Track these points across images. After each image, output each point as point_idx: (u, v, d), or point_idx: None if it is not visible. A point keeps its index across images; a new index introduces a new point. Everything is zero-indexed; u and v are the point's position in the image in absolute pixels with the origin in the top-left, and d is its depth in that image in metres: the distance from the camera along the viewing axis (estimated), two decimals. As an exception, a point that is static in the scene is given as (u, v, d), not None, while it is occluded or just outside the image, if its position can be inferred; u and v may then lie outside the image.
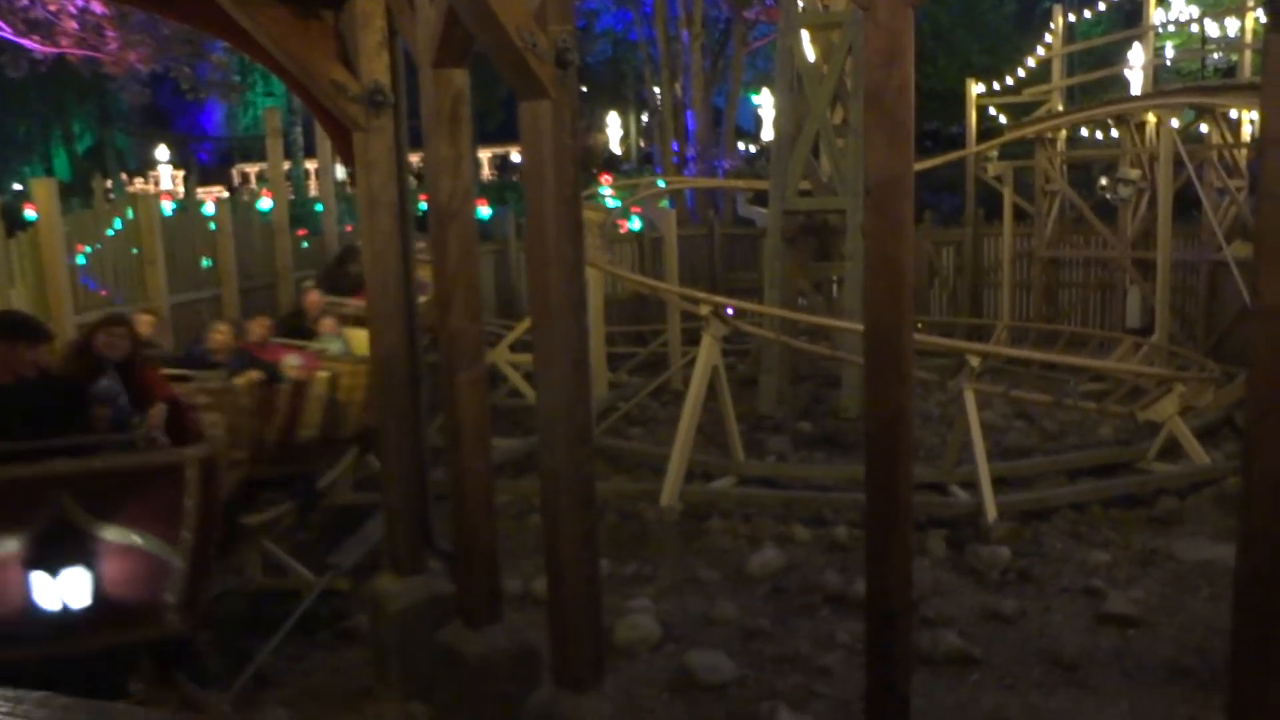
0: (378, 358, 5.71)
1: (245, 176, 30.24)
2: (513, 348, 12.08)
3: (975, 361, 8.87)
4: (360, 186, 5.55)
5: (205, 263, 10.82)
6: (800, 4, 12.57)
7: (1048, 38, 18.90)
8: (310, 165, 22.51)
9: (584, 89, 32.30)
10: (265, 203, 12.92)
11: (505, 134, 28.92)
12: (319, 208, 14.75)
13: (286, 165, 18.37)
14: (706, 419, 9.89)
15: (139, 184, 25.58)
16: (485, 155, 32.80)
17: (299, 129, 24.46)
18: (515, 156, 28.51)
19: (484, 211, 19.22)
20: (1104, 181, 16.13)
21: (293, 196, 16.75)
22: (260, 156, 25.79)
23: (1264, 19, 3.81)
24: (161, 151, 26.25)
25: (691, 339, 11.85)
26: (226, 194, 23.37)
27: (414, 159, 7.42)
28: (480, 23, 4.04)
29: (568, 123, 4.26)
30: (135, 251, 9.55)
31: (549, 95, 4.16)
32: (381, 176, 5.47)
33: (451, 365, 5.00)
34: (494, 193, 23.51)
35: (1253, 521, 3.68)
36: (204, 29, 7.11)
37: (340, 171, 17.40)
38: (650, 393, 12.28)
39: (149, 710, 2.17)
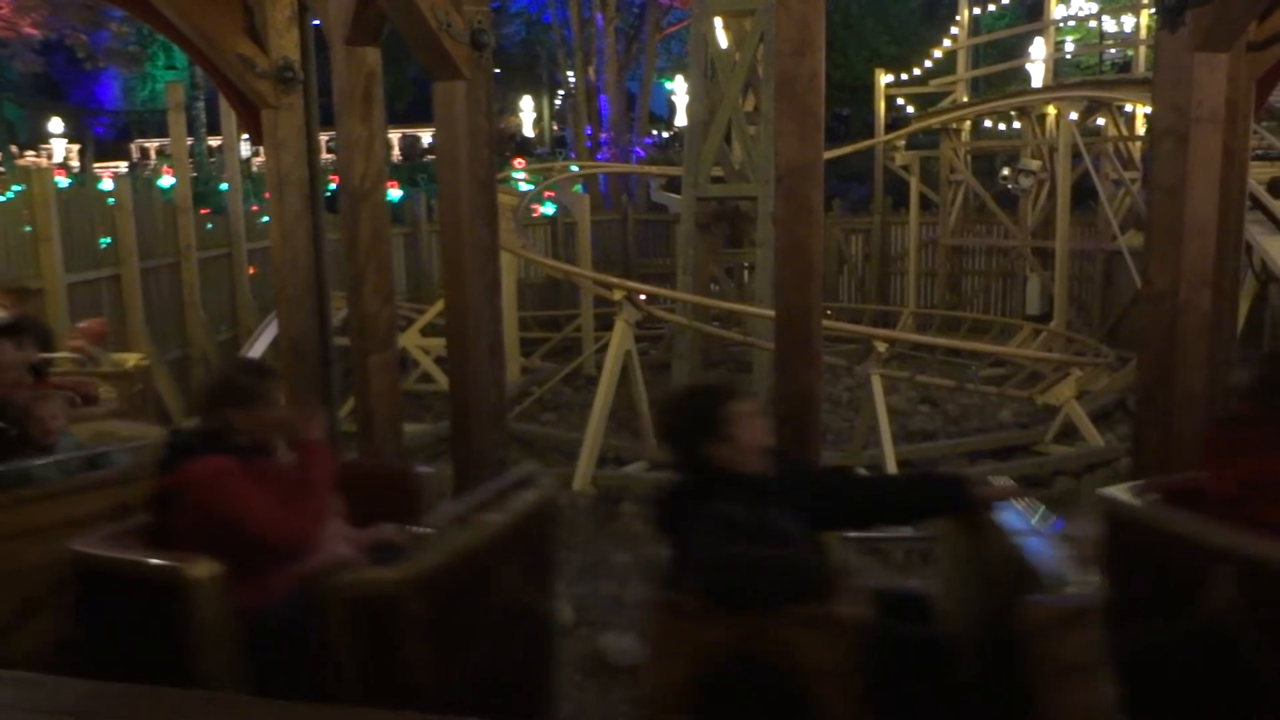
0: (288, 339, 5.62)
1: (145, 152, 29.27)
2: (424, 332, 11.95)
3: (882, 347, 9.06)
4: (269, 165, 5.44)
5: (103, 241, 10.48)
6: (714, -9, 12.62)
7: (954, 30, 19.32)
8: (215, 142, 21.91)
9: (498, 71, 31.97)
10: (167, 180, 12.55)
11: (417, 115, 28.49)
12: (224, 186, 14.40)
13: (189, 141, 17.86)
14: (619, 404, 9.91)
15: (30, 157, 24.58)
16: (396, 136, 32.30)
17: (202, 104, 23.76)
18: (427, 138, 28.13)
19: (395, 194, 18.98)
20: (1006, 172, 16.56)
21: (196, 174, 16.30)
22: (161, 132, 25.02)
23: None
24: (55, 124, 25.25)
25: (604, 324, 11.87)
26: (125, 169, 22.63)
27: (324, 138, 7.29)
28: (395, 1, 4.00)
29: (482, 104, 4.24)
30: (28, 230, 9.20)
31: (463, 76, 4.14)
32: (291, 155, 5.37)
33: (363, 349, 4.94)
34: (405, 174, 23.19)
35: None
36: (103, -1, 6.88)
37: (246, 149, 16.99)
38: (563, 378, 12.28)
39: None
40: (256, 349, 10.53)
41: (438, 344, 11.23)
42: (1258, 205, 8.85)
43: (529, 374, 12.99)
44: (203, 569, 2.87)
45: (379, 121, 4.87)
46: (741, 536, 2.70)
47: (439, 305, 10.01)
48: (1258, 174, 9.26)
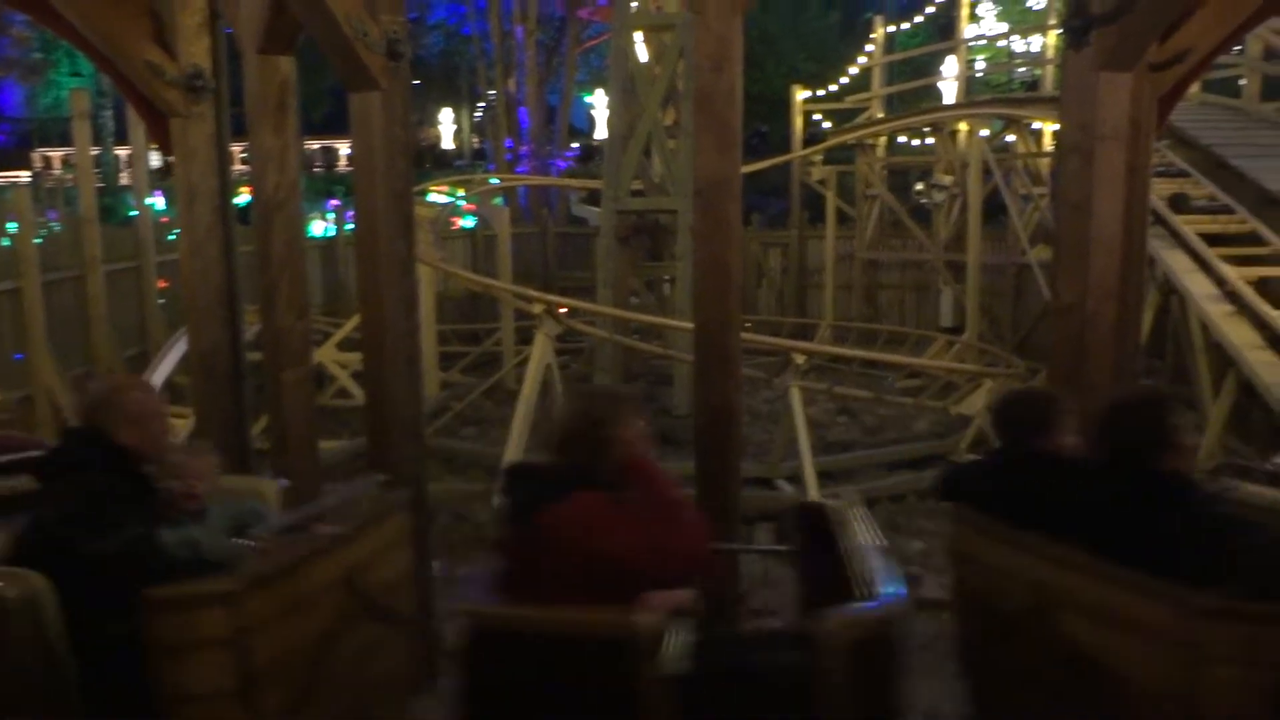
0: (198, 354, 5.47)
1: (48, 162, 28.39)
2: (341, 346, 11.75)
3: (800, 359, 9.15)
4: (179, 176, 5.30)
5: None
6: (633, 5, 12.68)
7: (869, 47, 19.68)
8: (122, 152, 21.34)
9: (416, 82, 31.71)
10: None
11: (333, 125, 28.12)
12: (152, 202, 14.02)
13: (95, 151, 17.36)
14: (540, 418, 9.86)
15: (-74, 168, 23.69)
16: (312, 146, 31.83)
17: (109, 112, 23.14)
18: (345, 149, 27.75)
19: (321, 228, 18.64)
20: (919, 187, 16.90)
21: (102, 184, 15.84)
22: (65, 140, 24.26)
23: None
24: (-48, 133, 24.39)
25: (525, 338, 11.81)
26: (28, 179, 21.92)
27: (237, 148, 7.14)
28: (309, 10, 3.93)
29: (399, 115, 4.19)
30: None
31: (379, 87, 4.09)
32: (202, 166, 5.24)
33: (276, 364, 4.83)
34: (321, 186, 22.85)
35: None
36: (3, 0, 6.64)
37: (156, 159, 16.58)
38: (483, 392, 12.17)
39: None
40: (165, 365, 10.25)
41: (355, 358, 11.05)
42: (1160, 220, 9.15)
43: (448, 388, 12.85)
44: (650, 621, 2.68)
45: (293, 132, 4.77)
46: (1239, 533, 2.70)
47: (356, 319, 9.87)
48: (1159, 190, 9.58)
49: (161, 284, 12.61)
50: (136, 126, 12.82)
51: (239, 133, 4.96)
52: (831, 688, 2.59)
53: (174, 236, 12.04)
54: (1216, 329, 7.80)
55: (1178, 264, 8.77)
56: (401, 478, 4.36)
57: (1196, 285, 8.43)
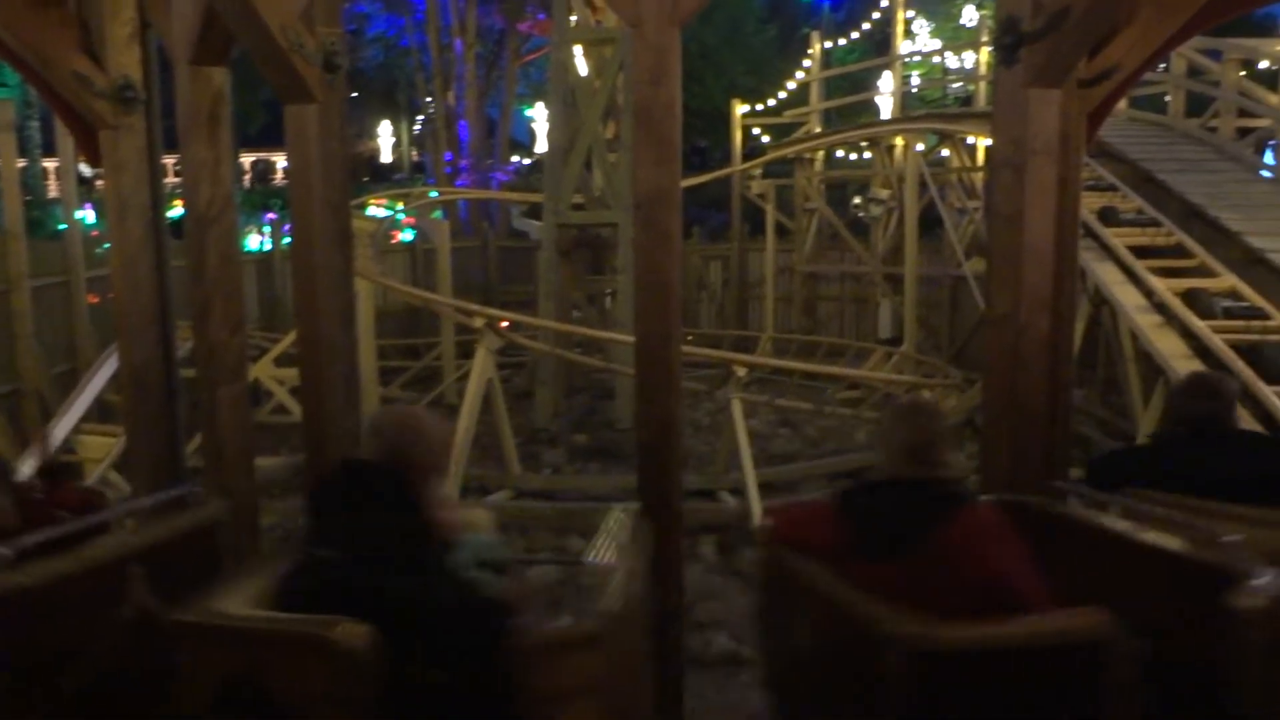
0: (130, 371, 5.35)
1: (-27, 175, 27.65)
2: (278, 361, 11.58)
3: (741, 372, 9.20)
4: (109, 189, 5.18)
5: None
6: (573, 19, 12.71)
7: (806, 63, 19.91)
8: (50, 164, 20.86)
9: (354, 94, 31.44)
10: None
11: (269, 138, 27.75)
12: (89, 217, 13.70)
13: (21, 163, 16.94)
14: (482, 432, 9.80)
15: None
16: (248, 160, 31.38)
17: (36, 123, 22.61)
18: (281, 161, 27.41)
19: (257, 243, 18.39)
20: (857, 201, 17.11)
21: (29, 197, 15.48)
22: (-9, 154, 23.60)
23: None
24: None
25: (466, 352, 11.74)
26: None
27: (170, 161, 7.01)
28: (242, 21, 3.87)
29: (335, 128, 4.15)
30: None
31: (315, 99, 4.04)
32: (132, 178, 5.13)
33: (211, 380, 4.74)
34: (257, 199, 22.54)
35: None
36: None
37: (86, 171, 16.23)
38: (424, 406, 12.07)
39: None
40: (96, 382, 10.02)
41: (292, 374, 10.89)
42: (1090, 233, 9.35)
43: (388, 404, 12.71)
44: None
45: (226, 144, 4.70)
46: None
47: (293, 334, 9.74)
48: (1089, 203, 9.78)
49: (91, 299, 12.33)
50: (65, 138, 12.53)
51: (171, 145, 4.87)
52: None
53: (105, 250, 11.80)
54: (1146, 339, 7.98)
55: (1108, 276, 8.96)
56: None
57: (1126, 296, 8.62)
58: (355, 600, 2.44)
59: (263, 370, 11.41)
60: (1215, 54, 11.87)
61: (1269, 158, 11.73)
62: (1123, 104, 11.54)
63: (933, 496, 2.80)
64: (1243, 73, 11.92)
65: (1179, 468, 3.31)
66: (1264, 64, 12.86)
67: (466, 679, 2.45)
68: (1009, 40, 3.77)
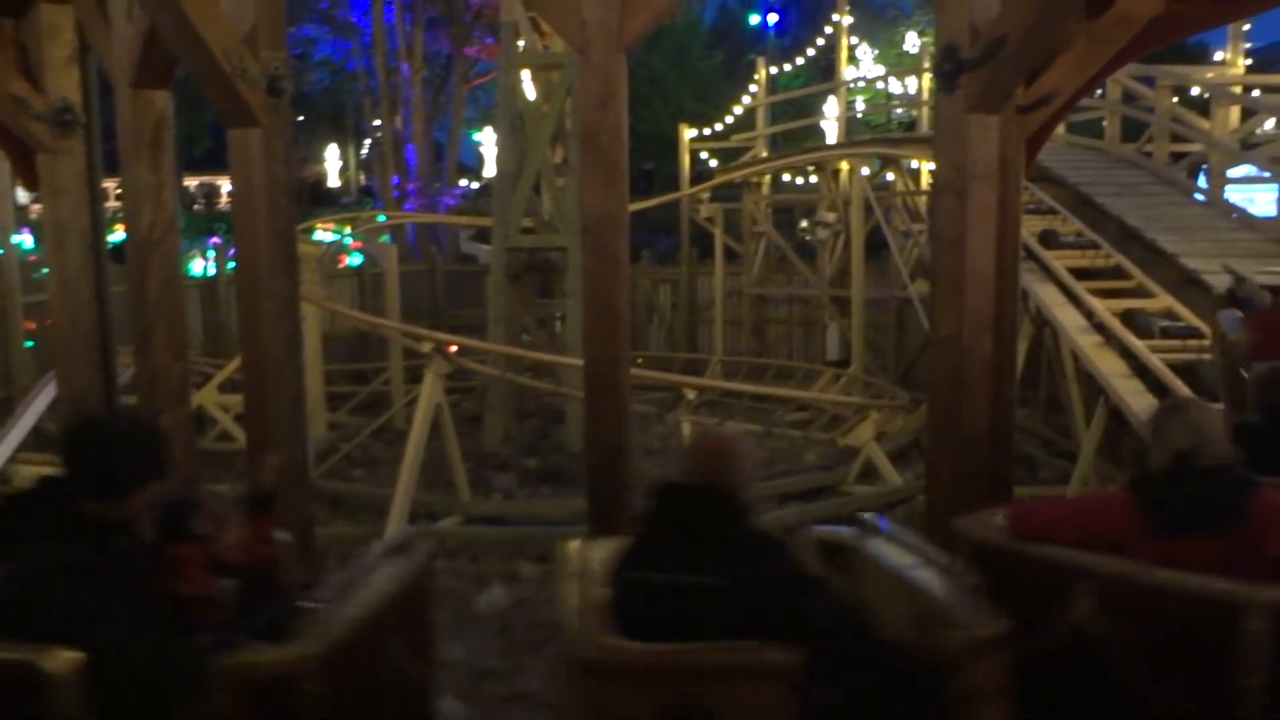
0: (69, 399, 5.25)
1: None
2: (222, 388, 11.42)
3: (691, 394, 9.24)
4: (47, 214, 5.10)
5: None
6: (521, 43, 12.74)
7: (753, 88, 20.12)
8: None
9: (300, 118, 31.22)
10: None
11: (214, 161, 27.45)
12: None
13: (-43, 189, 16.60)
14: (431, 458, 9.72)
15: None
16: (192, 183, 31.03)
17: (-28, 149, 22.17)
18: (226, 185, 27.11)
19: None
20: (804, 224, 17.26)
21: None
22: (-76, 178, 23.13)
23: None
24: None
25: (414, 377, 11.65)
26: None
27: (111, 184, 6.91)
28: (185, 44, 3.84)
29: (280, 152, 4.12)
30: None
31: (260, 123, 4.01)
32: (71, 203, 5.05)
33: (153, 407, 4.67)
34: (201, 224, 22.28)
35: (935, 532, 4.04)
36: None
37: (23, 195, 15.93)
38: (372, 432, 11.95)
39: None
40: (33, 411, 9.79)
41: (237, 401, 10.73)
42: (1031, 255, 9.52)
43: (336, 429, 12.58)
44: None
45: (168, 168, 4.65)
46: None
47: (239, 360, 9.62)
48: (1030, 226, 9.97)
49: (29, 325, 12.07)
50: (1, 161, 12.30)
51: (112, 168, 4.81)
52: None
53: (43, 275, 11.58)
54: (1086, 359, 8.13)
55: (1049, 297, 9.13)
56: (286, 522, 4.24)
57: (1067, 317, 8.78)
58: (742, 621, 2.57)
59: (207, 397, 11.24)
60: (1149, 80, 12.19)
61: (1202, 181, 12.04)
62: (1061, 129, 11.79)
63: (1240, 477, 3.06)
64: (1175, 99, 12.24)
65: (1264, 452, 3.47)
66: (1195, 90, 13.23)
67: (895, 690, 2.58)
68: (948, 67, 3.84)
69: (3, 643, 2.38)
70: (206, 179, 30.84)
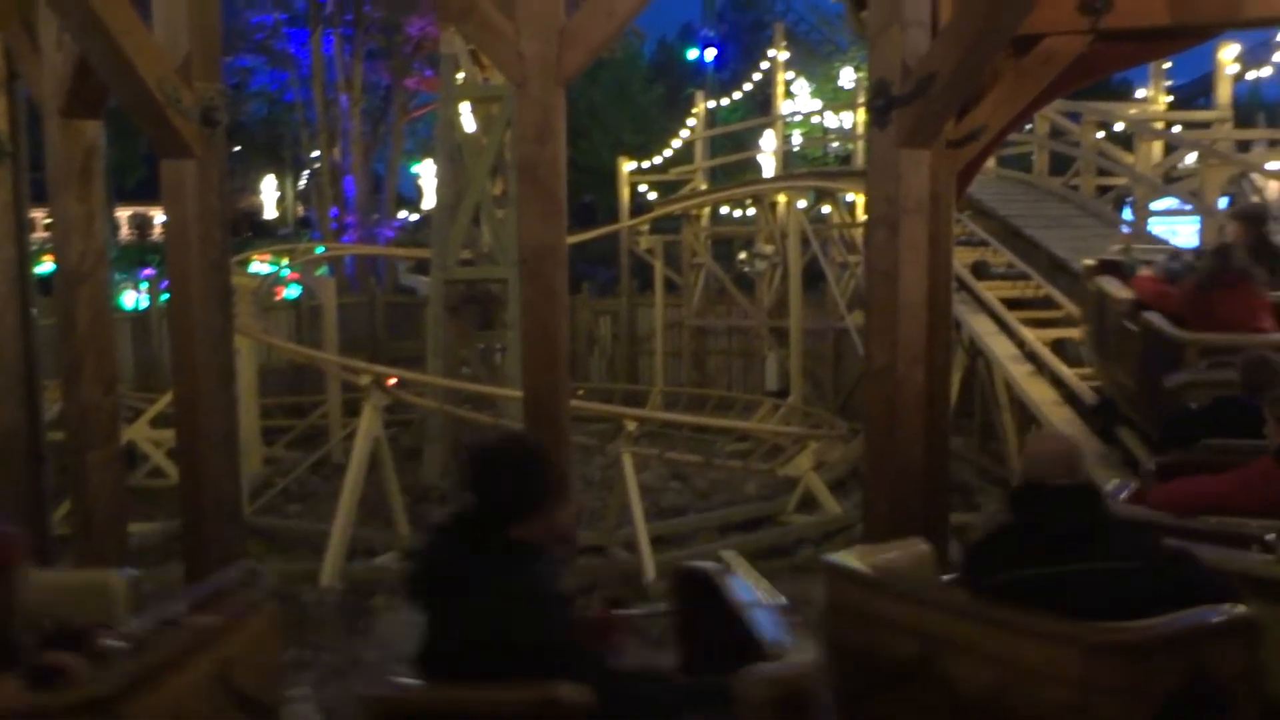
0: (-9, 436, 5.12)
1: None
2: (154, 423, 11.19)
3: (632, 426, 9.23)
4: (-30, 245, 5.00)
5: None
6: (460, 76, 12.75)
7: (692, 121, 20.31)
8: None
9: (237, 148, 30.88)
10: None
11: (147, 192, 27.01)
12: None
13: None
14: (369, 492, 9.60)
15: None
16: (124, 214, 30.50)
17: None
18: (160, 216, 26.68)
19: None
20: (743, 256, 17.44)
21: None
22: None
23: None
24: None
25: (353, 410, 11.52)
26: None
27: (38, 215, 6.77)
28: (116, 74, 3.80)
29: (214, 184, 4.08)
30: None
31: (194, 154, 3.97)
32: (-4, 234, 4.96)
33: (81, 443, 4.56)
34: (134, 255, 21.89)
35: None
36: None
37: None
38: (309, 467, 11.77)
39: None
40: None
41: (170, 436, 10.53)
42: (963, 286, 9.70)
43: (272, 464, 12.37)
44: None
45: (99, 199, 4.58)
46: None
47: (171, 394, 9.44)
48: (962, 258, 10.16)
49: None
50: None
51: (40, 198, 4.72)
52: None
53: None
54: (1019, 387, 8.28)
55: (981, 327, 9.30)
56: (219, 560, 4.17)
57: (999, 347, 8.95)
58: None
59: (138, 432, 11.00)
60: (1075, 116, 12.54)
61: (1127, 214, 12.38)
62: (991, 163, 12.06)
63: None
64: (1101, 134, 12.60)
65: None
66: (1119, 126, 13.63)
67: None
68: (880, 103, 3.93)
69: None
70: (139, 209, 30.32)
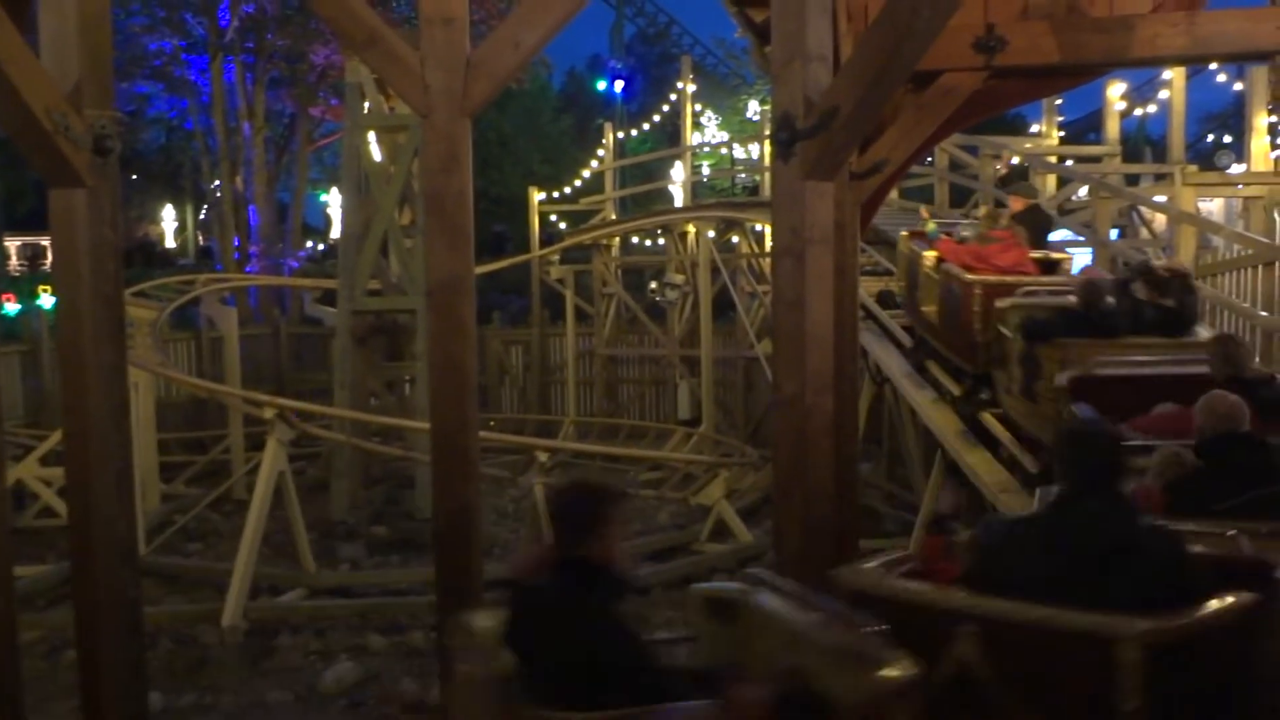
0: None
1: None
2: (44, 461, 10.76)
3: (544, 457, 9.18)
4: None
5: None
6: (366, 105, 12.63)
7: (601, 152, 20.42)
8: None
9: (135, 177, 30.03)
10: None
11: (39, 220, 26.11)
12: None
13: None
14: (274, 528, 9.37)
15: None
16: (14, 244, 29.45)
17: None
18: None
19: (11, 307, 17.29)
20: (654, 285, 17.52)
21: None
22: None
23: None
24: None
25: (257, 444, 11.23)
26: None
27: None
28: (1, 101, 3.65)
29: (107, 213, 3.95)
30: None
31: (85, 183, 3.84)
32: None
33: (-39, 484, 4.35)
34: (25, 286, 21.11)
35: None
36: None
37: None
38: (210, 503, 11.42)
39: None
40: None
41: (60, 474, 10.14)
42: (870, 315, 9.86)
43: (171, 501, 11.98)
44: None
45: (-16, 230, 4.39)
46: None
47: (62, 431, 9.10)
48: (868, 287, 10.33)
49: None
50: None
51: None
52: None
53: None
54: (924, 415, 8.43)
55: (888, 355, 9.46)
56: (111, 604, 4.00)
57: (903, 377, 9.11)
58: None
59: (27, 470, 10.59)
60: (973, 149, 12.91)
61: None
62: (894, 194, 12.33)
63: None
64: (998, 166, 12.99)
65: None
66: (1015, 159, 14.07)
67: None
68: (784, 136, 3.98)
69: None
70: (30, 239, 29.29)
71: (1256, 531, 3.48)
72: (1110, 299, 6.13)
